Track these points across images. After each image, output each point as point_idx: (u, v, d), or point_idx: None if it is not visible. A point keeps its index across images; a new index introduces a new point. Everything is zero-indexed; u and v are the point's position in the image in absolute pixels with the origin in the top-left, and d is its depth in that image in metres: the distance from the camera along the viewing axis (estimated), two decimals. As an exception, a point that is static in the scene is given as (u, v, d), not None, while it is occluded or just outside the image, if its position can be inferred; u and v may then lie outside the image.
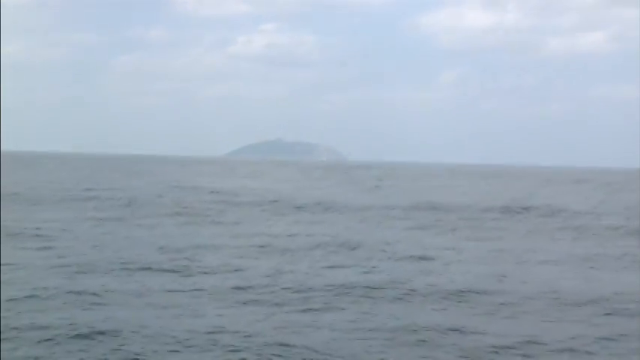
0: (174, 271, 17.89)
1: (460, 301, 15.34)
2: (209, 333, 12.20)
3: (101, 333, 11.95)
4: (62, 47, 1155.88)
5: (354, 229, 28.26)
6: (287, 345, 11.58)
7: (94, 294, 14.94)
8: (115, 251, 20.90)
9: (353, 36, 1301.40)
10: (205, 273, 17.94)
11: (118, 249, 21.43)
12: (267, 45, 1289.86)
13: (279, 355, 11.13)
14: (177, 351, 11.35)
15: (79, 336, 11.76)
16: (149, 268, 18.18)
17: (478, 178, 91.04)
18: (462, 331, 12.80)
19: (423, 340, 12.16)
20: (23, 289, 15.09)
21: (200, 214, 32.59)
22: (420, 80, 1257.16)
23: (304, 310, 14.11)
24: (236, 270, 18.45)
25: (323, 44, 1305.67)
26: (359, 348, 11.67)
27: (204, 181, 64.40)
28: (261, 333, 12.22)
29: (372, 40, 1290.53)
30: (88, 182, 56.14)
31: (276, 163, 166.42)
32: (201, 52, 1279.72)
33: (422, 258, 20.95)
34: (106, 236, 24.73)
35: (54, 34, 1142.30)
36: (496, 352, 11.66)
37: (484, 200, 44.36)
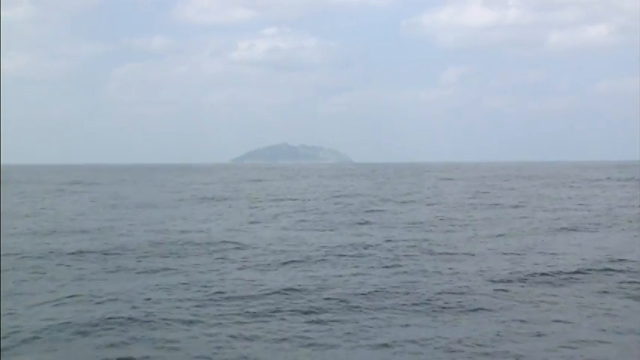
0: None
1: None
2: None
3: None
4: (65, 59, 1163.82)
5: None
6: None
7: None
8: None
9: (354, 37, 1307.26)
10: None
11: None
12: (270, 50, 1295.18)
13: None
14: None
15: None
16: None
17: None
18: None
19: None
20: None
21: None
22: (423, 79, 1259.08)
23: None
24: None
25: (325, 47, 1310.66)
26: None
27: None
28: None
29: (374, 41, 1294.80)
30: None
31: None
32: (203, 59, 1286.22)
33: None
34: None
35: (56, 47, 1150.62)
36: None
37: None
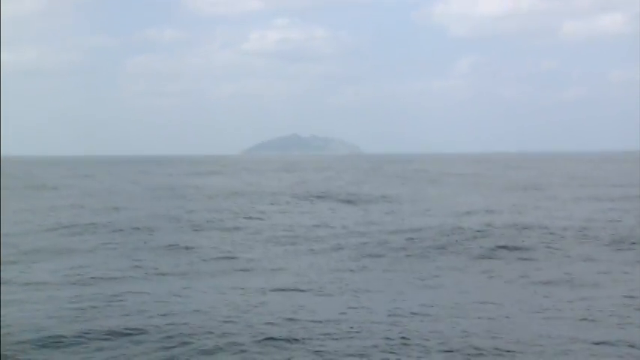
0: None
1: None
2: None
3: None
4: (75, 52, 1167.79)
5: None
6: None
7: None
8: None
9: (365, 28, 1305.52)
10: None
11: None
12: (280, 40, 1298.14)
13: None
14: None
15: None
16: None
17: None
18: None
19: None
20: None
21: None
22: (434, 70, 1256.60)
23: None
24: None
25: (335, 37, 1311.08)
26: None
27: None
28: None
29: (384, 31, 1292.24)
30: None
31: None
32: (214, 50, 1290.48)
33: None
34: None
35: (67, 39, 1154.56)
36: None
37: None
